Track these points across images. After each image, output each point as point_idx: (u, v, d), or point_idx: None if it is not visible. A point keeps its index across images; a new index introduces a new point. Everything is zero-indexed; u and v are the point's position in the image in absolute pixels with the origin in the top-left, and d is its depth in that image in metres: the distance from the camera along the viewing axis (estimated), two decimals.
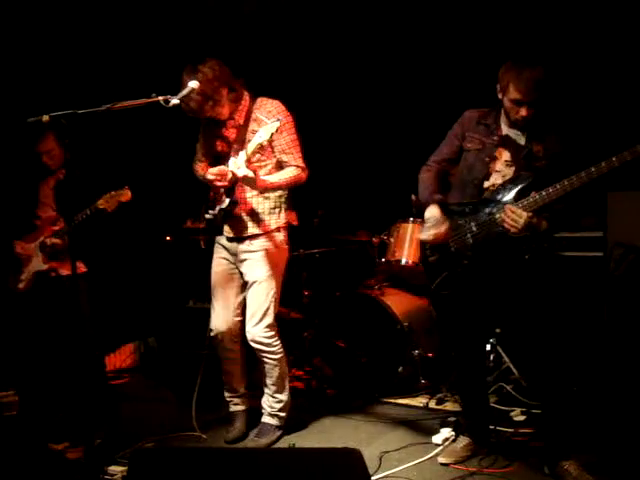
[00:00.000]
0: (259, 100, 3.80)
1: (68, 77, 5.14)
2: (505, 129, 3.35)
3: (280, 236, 3.86)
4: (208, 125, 3.87)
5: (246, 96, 3.78)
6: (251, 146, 3.45)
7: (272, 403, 3.92)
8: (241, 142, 3.71)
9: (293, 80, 5.85)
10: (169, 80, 3.38)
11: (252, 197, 3.78)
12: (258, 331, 3.76)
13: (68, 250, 4.03)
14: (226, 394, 4.08)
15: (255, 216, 3.79)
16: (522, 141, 3.30)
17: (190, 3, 5.32)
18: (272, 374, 3.86)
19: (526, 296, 3.27)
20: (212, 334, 3.94)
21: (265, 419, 3.94)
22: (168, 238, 5.65)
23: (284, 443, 3.85)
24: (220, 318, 3.92)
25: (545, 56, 3.33)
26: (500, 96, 3.28)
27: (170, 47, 5.55)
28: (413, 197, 4.92)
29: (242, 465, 2.49)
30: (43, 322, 4.32)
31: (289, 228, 3.96)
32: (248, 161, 3.50)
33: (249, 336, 3.80)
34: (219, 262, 3.94)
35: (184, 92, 3.03)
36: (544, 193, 3.09)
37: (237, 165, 3.52)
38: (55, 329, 4.29)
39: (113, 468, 3.46)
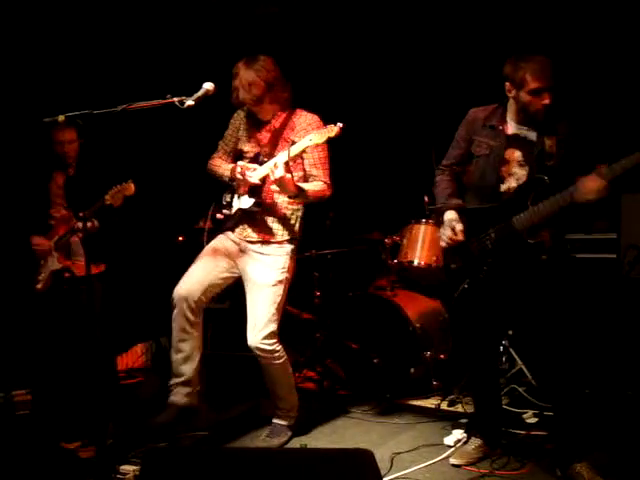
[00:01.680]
0: (298, 110, 3.84)
1: (83, 77, 5.17)
2: (513, 127, 3.32)
3: (292, 247, 3.86)
4: (242, 123, 3.90)
5: (290, 101, 3.84)
6: (297, 147, 3.46)
7: (280, 405, 3.92)
8: (273, 146, 3.76)
9: (306, 80, 5.86)
10: (183, 82, 3.39)
11: (276, 203, 3.79)
12: (260, 339, 3.69)
13: (84, 247, 4.05)
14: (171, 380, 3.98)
15: (274, 222, 3.81)
16: (533, 137, 3.29)
17: (204, 5, 5.34)
18: (276, 378, 3.84)
19: (542, 297, 3.26)
20: (172, 298, 3.90)
21: (275, 420, 3.94)
22: (180, 238, 5.65)
23: (296, 444, 3.85)
24: (187, 284, 3.86)
25: (548, 50, 3.31)
26: (513, 93, 3.25)
27: (184, 49, 5.58)
28: (426, 198, 4.92)
29: (254, 465, 2.49)
30: (57, 322, 4.34)
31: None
32: (287, 163, 3.50)
33: (250, 343, 3.71)
34: (222, 242, 3.94)
35: (199, 93, 3.04)
36: (536, 209, 3.12)
37: (276, 166, 3.50)
38: (69, 329, 4.31)
39: (125, 467, 3.46)
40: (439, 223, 3.51)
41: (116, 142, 5.00)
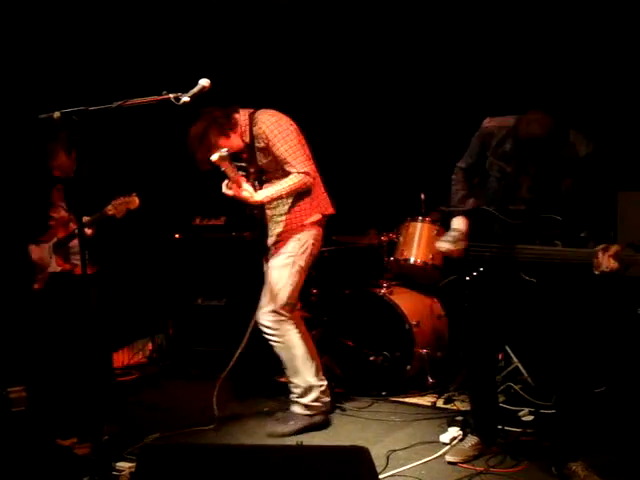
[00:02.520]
0: (256, 115, 3.92)
1: (80, 76, 5.16)
2: None
3: (300, 234, 3.96)
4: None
5: (244, 118, 3.91)
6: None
7: (291, 388, 4.00)
8: (252, 160, 3.95)
9: (303, 81, 5.86)
10: (180, 78, 3.38)
11: (262, 208, 4.00)
12: (261, 314, 3.94)
13: (81, 249, 4.04)
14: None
15: (271, 222, 4.03)
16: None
17: (199, 1, 5.34)
18: (282, 358, 3.97)
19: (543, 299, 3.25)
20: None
21: (291, 407, 4.04)
22: (177, 236, 5.66)
23: (292, 441, 3.85)
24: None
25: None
26: None
27: (180, 45, 5.57)
28: (422, 195, 4.92)
29: (250, 462, 2.49)
30: (53, 319, 4.34)
31: (321, 222, 4.07)
32: (233, 182, 3.72)
33: (257, 318, 3.96)
34: None
35: (195, 90, 3.03)
36: (543, 251, 3.13)
37: (227, 186, 3.76)
38: (64, 326, 4.30)
39: (121, 464, 3.47)
40: (440, 221, 3.50)
41: (111, 140, 5.00)
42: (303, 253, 3.98)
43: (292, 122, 3.96)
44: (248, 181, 3.84)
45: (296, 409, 4.00)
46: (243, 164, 4.01)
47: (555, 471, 3.30)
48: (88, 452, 3.70)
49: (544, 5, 4.90)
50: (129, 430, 3.94)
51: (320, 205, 4.06)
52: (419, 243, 4.89)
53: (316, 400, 3.99)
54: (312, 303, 5.14)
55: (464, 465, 3.45)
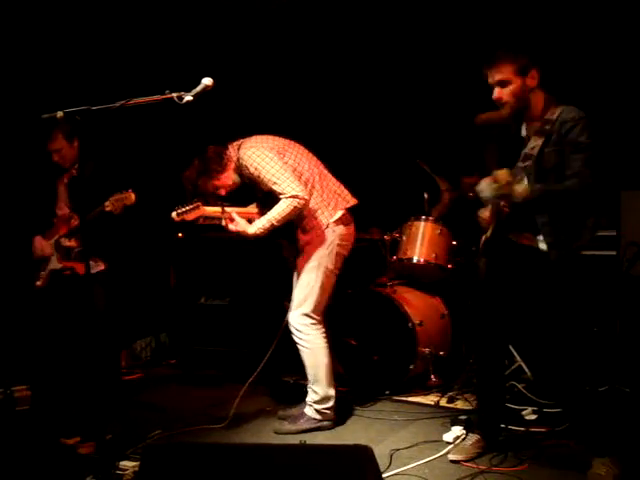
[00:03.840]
0: (239, 149, 3.95)
1: (83, 75, 5.17)
2: (531, 141, 3.21)
3: (323, 239, 3.95)
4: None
5: (234, 154, 3.95)
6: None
7: (309, 393, 4.02)
8: (256, 188, 3.97)
9: (307, 79, 5.86)
10: (182, 77, 3.39)
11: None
12: (292, 317, 3.97)
13: (82, 249, 4.07)
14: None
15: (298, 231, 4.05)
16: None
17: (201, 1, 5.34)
18: (306, 363, 3.98)
19: (544, 295, 3.25)
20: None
21: (304, 408, 4.05)
22: (180, 235, 5.66)
23: (295, 440, 3.85)
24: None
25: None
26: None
27: (182, 44, 5.57)
28: (426, 195, 4.92)
29: (253, 461, 2.49)
30: (57, 318, 4.35)
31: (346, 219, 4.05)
32: (227, 220, 3.90)
33: (288, 319, 4.00)
34: None
35: (198, 89, 3.03)
36: None
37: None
38: (69, 325, 4.31)
39: (125, 463, 3.47)
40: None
41: (115, 138, 5.00)
42: (329, 254, 3.96)
43: (274, 141, 3.97)
44: (251, 213, 3.99)
45: (308, 412, 4.01)
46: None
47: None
48: (92, 451, 3.70)
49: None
50: (132, 429, 3.94)
51: (338, 202, 4.02)
52: (422, 242, 4.89)
53: (329, 409, 4.01)
54: None
55: (467, 464, 3.45)
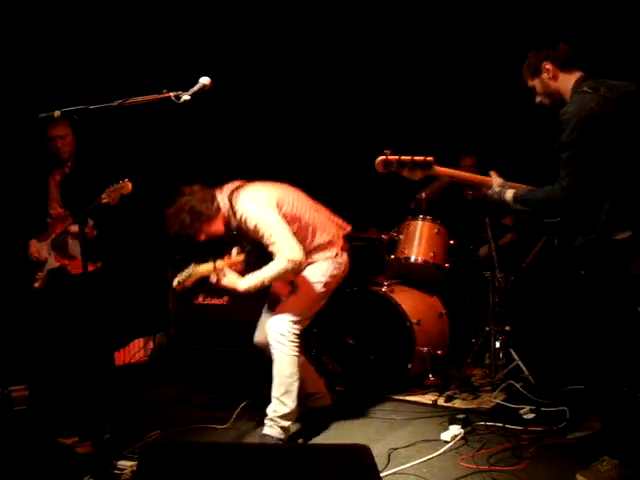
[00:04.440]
0: (235, 200, 3.75)
1: (79, 72, 5.16)
2: None
3: (310, 261, 3.88)
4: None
5: (224, 204, 3.77)
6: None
7: (276, 405, 3.70)
8: (245, 237, 3.82)
9: (305, 78, 5.86)
10: (179, 76, 3.39)
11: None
12: (271, 324, 3.74)
13: (81, 247, 4.05)
14: None
15: None
16: None
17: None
18: (282, 371, 3.69)
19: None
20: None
21: (264, 429, 3.71)
22: None
23: (293, 440, 3.85)
24: None
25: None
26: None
27: (180, 44, 5.56)
28: (423, 194, 4.93)
29: (251, 461, 2.49)
30: (54, 318, 4.34)
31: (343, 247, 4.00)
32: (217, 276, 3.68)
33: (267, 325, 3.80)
34: None
35: (195, 88, 3.03)
36: None
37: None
38: (66, 325, 4.31)
39: (122, 463, 3.48)
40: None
41: (112, 138, 4.99)
42: (330, 279, 3.92)
43: (269, 191, 3.79)
44: (239, 263, 3.79)
45: (273, 432, 3.68)
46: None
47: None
48: (89, 451, 3.70)
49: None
50: (130, 429, 3.94)
51: (338, 232, 4.00)
52: (420, 241, 4.89)
53: (290, 427, 3.77)
54: None
55: (464, 464, 3.44)
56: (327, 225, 3.97)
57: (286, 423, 3.70)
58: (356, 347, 4.80)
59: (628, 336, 3.37)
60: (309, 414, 4.06)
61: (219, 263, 3.67)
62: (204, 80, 3.07)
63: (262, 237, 3.66)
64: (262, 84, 5.92)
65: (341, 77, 5.87)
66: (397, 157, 3.28)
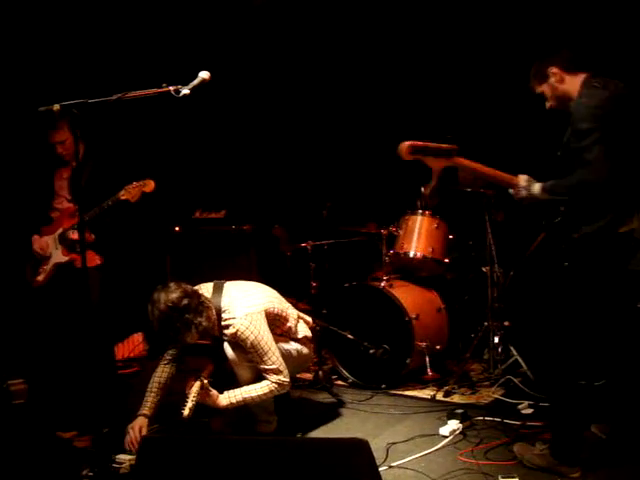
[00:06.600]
0: (234, 321, 3.64)
1: (80, 67, 5.16)
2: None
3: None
4: None
5: (213, 318, 3.67)
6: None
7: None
8: (217, 348, 3.74)
9: (303, 74, 5.85)
10: (179, 70, 3.38)
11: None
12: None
13: (81, 243, 4.06)
14: None
15: None
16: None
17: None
18: (254, 403, 3.69)
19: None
20: None
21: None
22: (177, 229, 5.65)
23: (292, 434, 3.86)
24: None
25: None
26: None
27: (179, 38, 5.56)
28: (423, 189, 4.92)
29: (250, 454, 2.50)
30: (53, 313, 4.34)
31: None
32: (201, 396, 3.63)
33: None
34: None
35: (195, 82, 3.02)
36: None
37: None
38: (65, 319, 4.31)
39: (121, 456, 3.48)
40: None
41: (113, 133, 5.00)
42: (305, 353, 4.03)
43: (256, 301, 3.72)
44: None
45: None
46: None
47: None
48: (88, 444, 3.72)
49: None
50: (129, 423, 3.94)
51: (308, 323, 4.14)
52: (419, 236, 4.89)
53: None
54: (312, 296, 5.14)
55: (463, 458, 3.46)
56: (302, 318, 4.11)
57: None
58: (355, 341, 4.79)
59: (628, 333, 3.39)
60: (308, 408, 4.06)
61: (205, 379, 3.62)
62: (203, 74, 3.07)
63: (254, 355, 3.61)
64: (261, 79, 5.91)
65: (341, 74, 5.87)
66: (424, 143, 3.26)
